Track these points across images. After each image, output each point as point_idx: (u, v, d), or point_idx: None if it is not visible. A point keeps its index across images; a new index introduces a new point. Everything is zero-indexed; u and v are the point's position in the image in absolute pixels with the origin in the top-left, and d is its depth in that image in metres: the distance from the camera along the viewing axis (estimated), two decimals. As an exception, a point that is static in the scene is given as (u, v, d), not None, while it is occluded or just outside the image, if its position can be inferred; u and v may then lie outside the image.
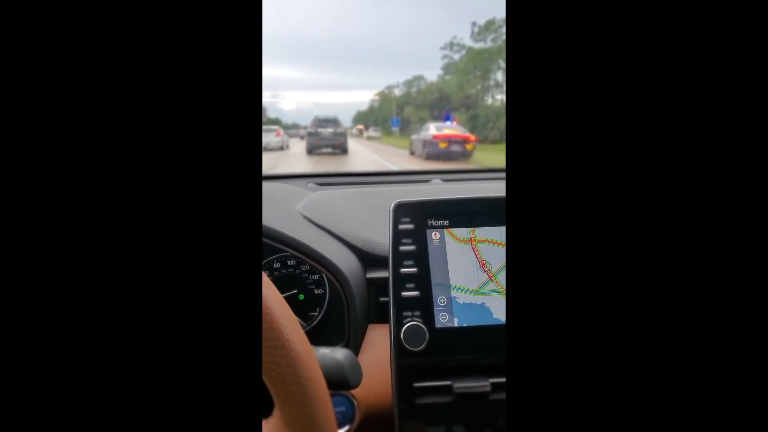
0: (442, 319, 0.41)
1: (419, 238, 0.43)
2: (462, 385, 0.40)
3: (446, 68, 37.02)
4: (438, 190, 0.69)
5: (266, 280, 0.24)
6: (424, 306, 0.41)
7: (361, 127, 36.44)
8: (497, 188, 0.70)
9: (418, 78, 43.14)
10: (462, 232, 0.44)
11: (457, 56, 35.58)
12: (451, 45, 36.10)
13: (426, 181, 0.86)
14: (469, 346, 0.41)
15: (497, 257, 0.44)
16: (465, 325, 0.41)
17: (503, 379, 0.41)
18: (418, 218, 0.44)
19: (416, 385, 0.40)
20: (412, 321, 0.40)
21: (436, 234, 0.44)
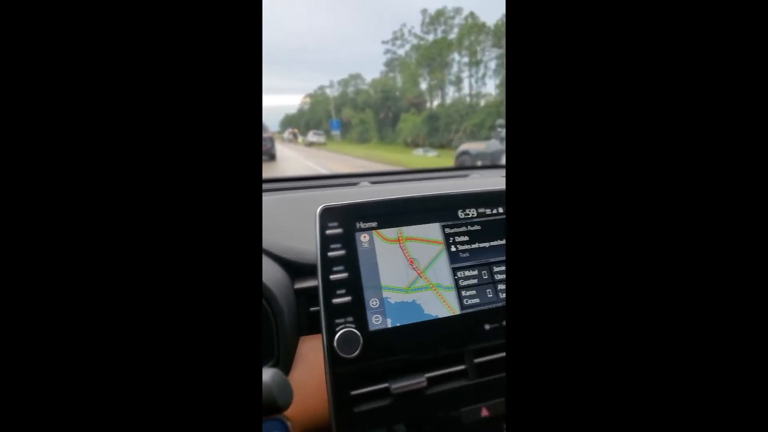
0: (375, 322, 0.43)
1: (348, 241, 0.44)
2: (399, 385, 0.41)
3: (390, 64, 34.35)
4: (366, 193, 0.71)
5: None
6: (357, 310, 0.42)
7: (295, 130, 32.88)
8: (424, 188, 0.73)
9: (355, 77, 39.10)
10: (390, 233, 0.46)
11: (401, 51, 33.16)
12: (393, 39, 33.40)
13: (354, 184, 0.88)
14: (403, 345, 0.43)
15: (424, 254, 0.46)
16: (398, 324, 0.43)
17: (438, 373, 0.43)
18: (346, 222, 0.45)
19: (353, 393, 0.41)
20: (345, 327, 0.41)
21: (365, 236, 0.45)
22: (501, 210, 0.51)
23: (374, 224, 0.46)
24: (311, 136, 25.87)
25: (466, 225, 0.49)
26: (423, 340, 0.44)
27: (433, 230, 0.48)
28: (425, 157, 14.23)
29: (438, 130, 19.77)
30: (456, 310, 0.45)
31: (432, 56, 28.13)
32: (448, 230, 0.48)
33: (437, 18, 30.10)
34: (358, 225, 0.46)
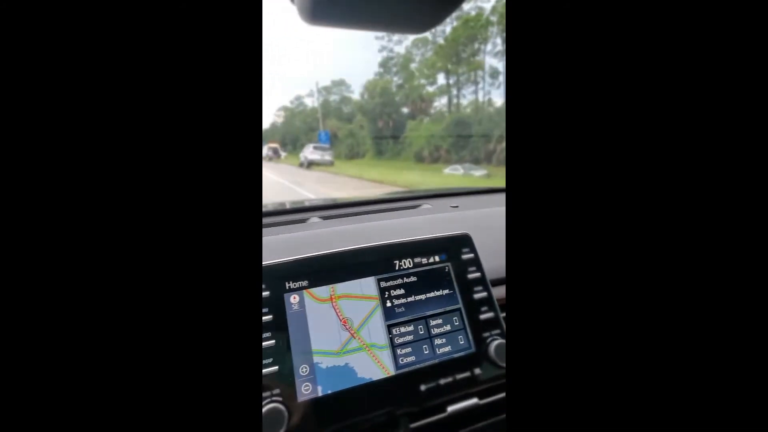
0: (305, 391, 0.43)
1: (276, 305, 0.45)
2: None
3: (386, 64, 28.73)
4: (310, 237, 0.70)
5: None
6: (285, 380, 0.43)
7: (275, 144, 27.01)
8: (373, 227, 0.73)
9: (339, 83, 34.30)
10: (321, 291, 0.47)
11: (400, 47, 27.53)
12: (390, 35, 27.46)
13: (303, 221, 0.89)
14: (335, 414, 0.42)
15: (358, 312, 0.46)
16: (329, 391, 0.43)
17: None
18: (275, 283, 0.46)
19: None
20: (272, 402, 0.41)
21: (295, 297, 0.46)
22: (437, 258, 0.51)
23: (305, 283, 0.47)
24: (311, 153, 18.44)
25: (402, 277, 0.49)
26: (356, 406, 0.44)
27: (367, 285, 0.48)
28: (469, 176, 10.79)
29: (469, 140, 15.55)
30: (391, 371, 0.45)
31: (466, 38, 20.46)
32: (383, 284, 0.48)
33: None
34: (287, 285, 0.46)
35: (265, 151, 23.23)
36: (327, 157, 17.84)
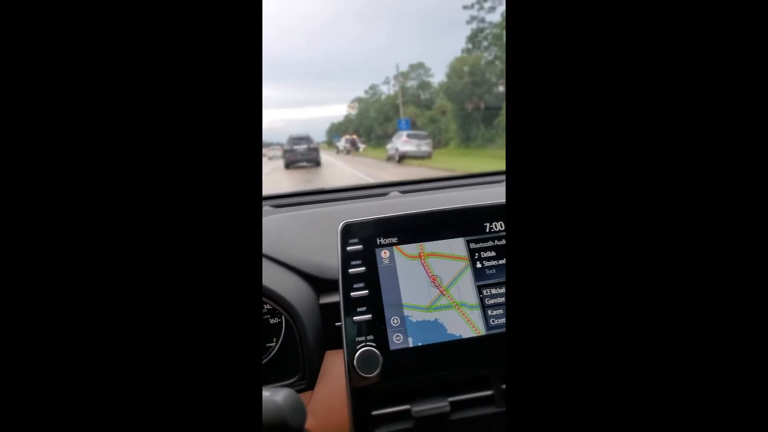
0: (396, 341, 0.45)
1: (369, 258, 0.48)
2: (420, 408, 0.44)
3: (474, 38, 23.60)
4: (394, 205, 0.72)
5: None
6: (377, 329, 0.46)
7: (353, 136, 24.69)
8: (455, 197, 0.73)
9: (417, 67, 31.29)
10: (411, 248, 0.48)
11: (494, 15, 22.62)
12: (480, 0, 22.33)
13: (384, 195, 0.93)
14: (425, 365, 0.45)
15: (447, 271, 0.47)
16: (420, 344, 0.45)
17: (462, 397, 0.43)
18: (367, 238, 0.49)
19: (374, 413, 0.44)
20: (366, 346, 0.44)
21: (385, 252, 0.48)
22: None
23: (395, 240, 0.49)
24: (404, 143, 13.97)
25: (492, 240, 0.49)
26: (446, 361, 0.45)
27: (457, 245, 0.49)
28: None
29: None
30: (481, 331, 0.45)
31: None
32: (473, 245, 0.49)
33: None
34: (378, 241, 0.49)
35: (342, 143, 22.35)
36: (424, 147, 14.38)
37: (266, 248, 0.64)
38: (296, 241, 0.66)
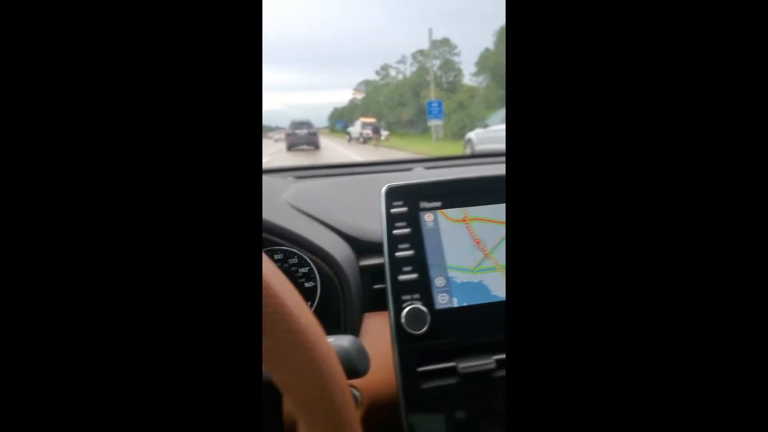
0: (441, 301, 0.46)
1: (413, 220, 0.49)
2: (466, 365, 0.45)
3: None
4: (423, 175, 0.73)
5: (269, 264, 0.27)
6: (423, 288, 0.46)
7: (371, 120, 19.50)
8: (484, 171, 0.74)
9: (443, 43, 27.91)
10: (455, 213, 0.49)
11: None
12: None
13: (408, 170, 0.95)
14: (470, 325, 0.46)
15: (491, 235, 0.48)
16: (465, 304, 0.47)
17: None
18: (411, 201, 0.49)
19: (420, 369, 0.45)
20: (412, 304, 0.45)
21: (429, 216, 0.49)
22: None
23: (438, 204, 0.50)
24: (483, 140, 6.74)
25: None
26: (491, 321, 0.46)
27: (500, 210, 0.50)
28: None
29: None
30: None
31: None
32: None
33: None
34: (422, 204, 0.50)
35: (357, 129, 18.09)
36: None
37: (306, 209, 0.64)
38: (334, 204, 0.66)
